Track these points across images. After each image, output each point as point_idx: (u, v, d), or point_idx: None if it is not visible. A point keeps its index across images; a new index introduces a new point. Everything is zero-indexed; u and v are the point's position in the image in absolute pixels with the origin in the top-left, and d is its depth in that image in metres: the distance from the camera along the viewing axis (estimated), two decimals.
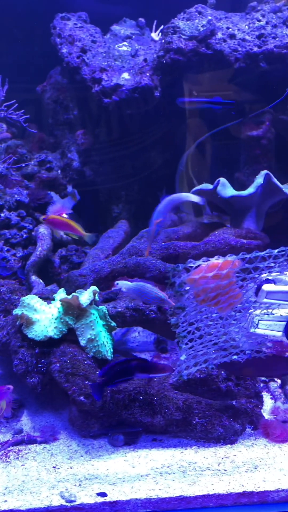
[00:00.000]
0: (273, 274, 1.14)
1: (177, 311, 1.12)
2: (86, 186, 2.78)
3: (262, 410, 1.66)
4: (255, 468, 1.47)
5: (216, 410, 1.55)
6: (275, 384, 1.81)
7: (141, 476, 1.45)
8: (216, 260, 1.06)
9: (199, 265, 1.06)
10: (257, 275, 1.10)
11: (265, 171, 2.22)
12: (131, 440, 1.57)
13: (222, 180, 2.25)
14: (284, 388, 1.79)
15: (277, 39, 2.41)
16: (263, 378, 1.82)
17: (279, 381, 1.83)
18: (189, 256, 2.06)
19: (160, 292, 1.62)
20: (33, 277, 2.14)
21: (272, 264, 1.10)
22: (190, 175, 2.68)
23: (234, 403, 1.60)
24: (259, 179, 2.21)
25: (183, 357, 1.17)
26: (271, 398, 1.77)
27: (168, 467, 1.48)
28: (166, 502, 1.39)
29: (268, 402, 1.74)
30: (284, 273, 1.15)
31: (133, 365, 1.37)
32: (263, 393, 1.73)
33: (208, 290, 1.06)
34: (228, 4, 2.79)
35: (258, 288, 1.15)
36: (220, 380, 1.64)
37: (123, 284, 1.66)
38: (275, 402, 1.73)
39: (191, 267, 1.06)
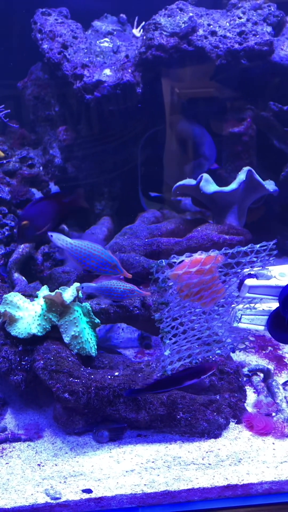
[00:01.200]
0: (255, 268, 1.15)
1: (161, 307, 1.13)
2: (68, 183, 2.77)
3: (245, 404, 1.68)
4: (239, 461, 1.49)
5: (200, 404, 1.57)
6: (258, 378, 1.84)
7: (126, 471, 1.46)
8: (199, 256, 1.06)
9: (182, 261, 1.06)
10: (239, 270, 1.11)
11: (247, 167, 2.24)
12: (116, 436, 1.57)
13: (205, 176, 2.26)
14: (266, 382, 1.81)
15: (257, 36, 2.43)
16: (246, 372, 1.84)
17: (262, 375, 1.86)
18: (172, 252, 2.06)
19: (127, 285, 1.54)
20: (16, 275, 2.12)
21: (254, 259, 1.11)
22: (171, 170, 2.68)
23: (218, 398, 1.62)
24: (242, 175, 2.23)
25: (167, 352, 1.17)
26: (254, 392, 1.79)
27: (153, 462, 1.49)
28: (151, 497, 1.40)
29: (251, 396, 1.76)
30: (266, 267, 1.16)
31: (182, 375, 1.31)
32: (246, 387, 1.74)
33: (191, 285, 1.07)
34: (209, 1, 2.79)
35: (241, 283, 1.17)
36: None
37: (86, 286, 1.61)
38: (258, 396, 1.75)
39: (175, 262, 1.06)
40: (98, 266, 1.40)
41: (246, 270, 1.16)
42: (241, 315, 1.20)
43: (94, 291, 1.54)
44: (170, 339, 1.18)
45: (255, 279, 1.16)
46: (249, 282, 1.15)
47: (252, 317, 1.20)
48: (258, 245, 1.10)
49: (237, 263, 1.11)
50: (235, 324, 1.20)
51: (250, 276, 1.16)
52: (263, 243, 1.12)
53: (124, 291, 1.50)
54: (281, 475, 1.45)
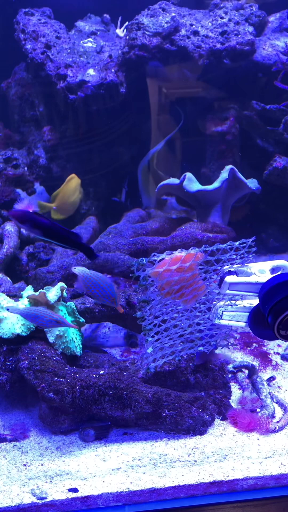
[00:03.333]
0: (235, 266, 1.16)
1: (143, 305, 1.13)
2: (53, 183, 2.76)
3: (230, 401, 1.70)
4: (224, 458, 1.50)
5: (185, 401, 1.58)
6: (243, 374, 1.85)
7: (112, 470, 1.46)
8: (179, 253, 1.07)
9: (163, 259, 1.07)
10: (219, 267, 1.12)
11: (230, 166, 2.26)
12: (102, 434, 1.57)
13: (188, 175, 2.27)
14: (251, 378, 1.83)
15: (239, 36, 2.45)
16: (231, 369, 1.85)
17: (246, 371, 1.87)
18: (157, 251, 2.08)
19: (55, 315, 1.54)
20: (0, 275, 2.12)
21: (234, 256, 1.12)
22: (155, 170, 2.70)
23: (203, 394, 1.63)
24: (224, 174, 2.25)
25: (149, 350, 1.18)
26: (239, 388, 1.80)
27: (139, 460, 1.50)
28: (138, 495, 1.40)
29: (236, 392, 1.77)
30: (246, 264, 1.17)
31: None
32: (231, 384, 1.76)
33: (172, 283, 1.08)
34: (192, 1, 2.81)
35: (221, 280, 1.18)
36: (189, 372, 1.66)
37: (12, 308, 1.59)
38: (243, 392, 1.77)
39: (155, 260, 1.07)
40: (100, 296, 1.51)
41: (226, 267, 1.17)
42: (223, 312, 1.21)
43: (20, 313, 1.55)
44: (153, 336, 1.19)
45: (235, 276, 1.17)
46: (229, 279, 1.16)
47: (233, 313, 1.21)
48: (237, 242, 1.12)
49: (217, 260, 1.12)
50: (216, 321, 1.22)
51: (230, 273, 1.18)
52: (243, 240, 1.14)
53: (50, 320, 1.53)
54: (265, 470, 1.46)
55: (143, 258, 1.04)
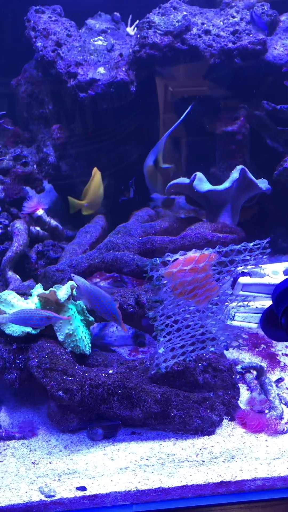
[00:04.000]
0: (248, 267, 1.16)
1: (155, 305, 1.13)
2: (62, 181, 2.77)
3: (238, 401, 1.69)
4: (232, 458, 1.50)
5: (194, 402, 1.57)
6: (251, 375, 1.85)
7: (120, 469, 1.46)
8: (193, 254, 1.07)
9: (176, 259, 1.07)
10: (233, 268, 1.12)
11: (240, 166, 2.25)
12: (110, 433, 1.57)
13: (199, 174, 2.27)
14: (260, 380, 1.83)
15: (251, 35, 2.44)
16: (239, 370, 1.85)
17: (255, 372, 1.87)
18: (166, 251, 2.08)
19: (43, 312, 1.54)
20: (10, 273, 2.12)
21: (248, 257, 1.12)
22: (161, 168, 2.69)
23: (211, 395, 1.62)
24: (235, 174, 2.24)
25: (161, 350, 1.18)
26: (247, 389, 1.80)
27: (147, 459, 1.50)
28: (145, 494, 1.40)
29: (244, 393, 1.77)
30: (259, 265, 1.17)
31: None
32: (239, 385, 1.75)
33: (185, 283, 1.07)
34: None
35: (234, 281, 1.18)
36: (198, 372, 1.66)
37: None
38: (251, 393, 1.76)
39: (169, 260, 1.07)
40: (101, 311, 1.56)
41: (240, 268, 1.17)
42: (235, 313, 1.21)
43: (9, 321, 1.56)
44: (164, 336, 1.19)
45: (248, 277, 1.17)
46: (242, 280, 1.16)
47: (246, 315, 1.21)
48: (251, 244, 1.11)
49: (230, 261, 1.12)
50: (228, 322, 1.21)
51: (243, 274, 1.17)
52: (257, 242, 1.13)
53: (41, 319, 1.53)
54: (274, 471, 1.46)
55: (157, 258, 1.04)
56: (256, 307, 1.21)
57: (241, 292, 1.17)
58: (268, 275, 1.17)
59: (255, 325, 1.24)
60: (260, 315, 1.21)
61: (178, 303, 1.15)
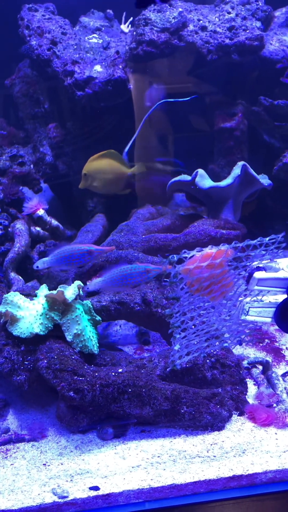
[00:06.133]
0: (263, 261, 1.17)
1: (172, 302, 1.13)
2: (59, 180, 2.75)
3: (246, 396, 1.70)
4: (243, 452, 1.51)
5: (203, 398, 1.58)
6: (257, 370, 1.86)
7: (132, 467, 1.46)
8: (210, 250, 1.07)
9: (193, 255, 1.07)
10: (249, 263, 1.13)
11: (242, 162, 2.25)
12: (120, 432, 1.57)
13: (200, 171, 2.27)
14: (266, 374, 1.84)
15: (247, 31, 2.44)
16: (246, 365, 1.85)
17: (260, 367, 1.88)
18: (170, 248, 2.08)
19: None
20: (12, 274, 2.10)
21: (263, 252, 1.12)
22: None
23: (220, 391, 1.63)
24: (237, 170, 2.24)
25: (177, 347, 1.18)
26: (254, 384, 1.81)
27: (158, 456, 1.50)
28: (158, 491, 1.40)
29: (251, 388, 1.78)
30: (274, 260, 1.18)
31: None
32: (246, 380, 1.76)
33: (202, 280, 1.08)
34: None
35: (249, 276, 1.18)
36: (206, 368, 1.67)
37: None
38: (258, 387, 1.77)
39: (185, 257, 1.07)
40: (138, 279, 1.51)
41: (255, 263, 1.17)
42: (249, 307, 1.21)
43: (50, 265, 1.50)
44: (180, 333, 1.19)
45: (263, 271, 1.17)
46: (258, 275, 1.16)
47: (260, 309, 1.22)
48: (267, 238, 1.12)
49: (246, 256, 1.12)
50: (243, 317, 1.22)
51: (258, 269, 1.18)
52: (272, 236, 1.14)
53: (82, 255, 1.47)
54: (284, 463, 1.47)
55: (174, 256, 1.04)
56: (270, 301, 1.22)
57: (256, 287, 1.18)
58: (282, 269, 1.18)
59: (269, 319, 1.24)
60: (274, 309, 1.22)
61: (193, 299, 1.15)
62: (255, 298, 1.20)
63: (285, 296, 1.18)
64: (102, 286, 1.55)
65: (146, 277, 1.50)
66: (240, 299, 1.19)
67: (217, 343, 1.19)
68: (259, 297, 1.20)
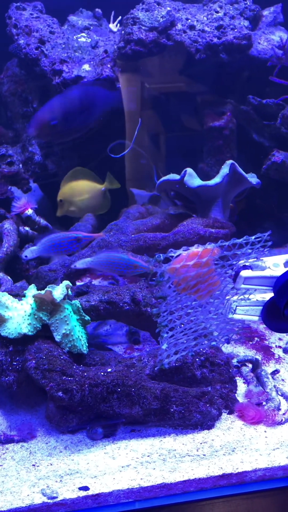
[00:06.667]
0: (250, 260, 1.17)
1: (159, 301, 1.13)
2: (48, 180, 2.74)
3: (236, 395, 1.70)
4: (233, 451, 1.51)
5: (192, 397, 1.58)
6: (247, 368, 1.86)
7: (122, 467, 1.46)
8: (196, 249, 1.07)
9: (179, 254, 1.07)
10: (235, 262, 1.13)
11: (230, 161, 2.26)
12: (110, 432, 1.57)
13: (189, 170, 2.27)
14: (255, 372, 1.84)
15: (235, 30, 2.44)
16: (235, 363, 1.86)
17: (250, 365, 1.88)
18: (159, 247, 2.08)
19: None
20: (1, 274, 2.09)
21: (249, 251, 1.13)
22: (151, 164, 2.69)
23: (209, 389, 1.63)
24: (225, 169, 2.25)
25: (164, 346, 1.18)
26: (243, 382, 1.81)
27: (148, 456, 1.50)
28: (148, 490, 1.40)
29: (241, 386, 1.78)
30: (260, 258, 1.18)
31: None
32: (236, 378, 1.77)
33: (188, 279, 1.08)
34: None
35: (236, 275, 1.18)
36: (195, 367, 1.67)
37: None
38: (248, 386, 1.78)
39: (172, 256, 1.07)
40: (124, 270, 1.50)
41: (241, 262, 1.17)
42: (236, 306, 1.21)
43: (38, 254, 1.49)
44: (167, 333, 1.19)
45: (250, 270, 1.18)
46: (244, 273, 1.16)
47: (247, 308, 1.22)
48: (253, 237, 1.12)
49: (232, 255, 1.13)
50: (230, 316, 1.22)
51: (245, 267, 1.18)
52: (258, 235, 1.14)
53: (71, 242, 1.46)
54: (273, 461, 1.48)
55: (160, 255, 1.04)
56: (257, 300, 1.22)
57: (242, 286, 1.18)
58: (269, 267, 1.18)
59: (256, 318, 1.25)
60: (261, 307, 1.22)
61: (180, 298, 1.15)
62: (242, 297, 1.20)
63: (271, 294, 1.19)
64: (89, 266, 1.53)
65: (132, 271, 1.49)
66: (227, 297, 1.20)
67: (205, 341, 1.19)
68: (246, 296, 1.20)
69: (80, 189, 2.30)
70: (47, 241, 1.50)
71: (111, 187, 2.33)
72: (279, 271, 1.16)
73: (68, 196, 2.30)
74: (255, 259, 1.15)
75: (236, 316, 1.22)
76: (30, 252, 1.59)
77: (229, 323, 1.25)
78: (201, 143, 2.65)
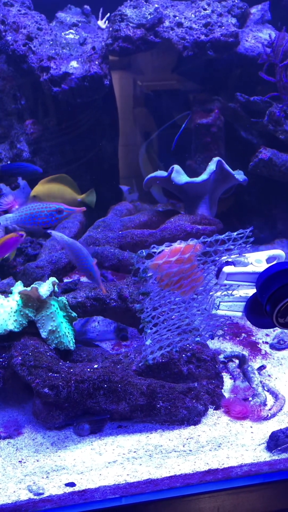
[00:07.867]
0: (232, 256, 1.18)
1: (142, 297, 1.14)
2: (36, 177, 2.73)
3: (222, 390, 1.71)
4: (219, 446, 1.52)
5: (179, 392, 1.59)
6: (234, 364, 1.87)
7: (109, 463, 1.47)
8: (178, 245, 1.08)
9: (162, 250, 1.07)
10: (217, 258, 1.13)
11: (217, 158, 2.27)
12: (97, 428, 1.57)
13: (176, 167, 2.28)
14: (242, 368, 1.85)
15: (223, 27, 2.45)
16: (222, 359, 1.87)
17: (237, 361, 1.90)
18: (147, 244, 2.08)
19: (52, 204, 1.45)
20: None
21: (232, 247, 1.13)
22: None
23: (196, 385, 1.64)
24: (212, 166, 2.26)
25: (148, 342, 1.19)
26: (230, 378, 1.82)
27: (134, 452, 1.50)
28: (135, 486, 1.41)
29: (227, 382, 1.79)
30: (243, 254, 1.19)
31: None
32: (222, 374, 1.78)
33: (171, 275, 1.08)
34: None
35: (219, 271, 1.19)
36: (182, 363, 1.67)
37: (4, 218, 1.49)
38: (234, 381, 1.79)
39: (154, 252, 1.07)
40: (78, 266, 1.47)
41: (224, 258, 1.18)
42: (219, 302, 1.22)
43: (13, 222, 1.46)
44: (151, 328, 1.19)
45: (232, 266, 1.19)
46: (227, 269, 1.17)
47: (230, 303, 1.23)
48: (235, 233, 1.13)
49: (215, 251, 1.13)
50: (213, 311, 1.23)
51: (227, 263, 1.19)
52: (240, 231, 1.15)
53: (50, 213, 1.43)
54: (259, 456, 1.49)
55: (143, 251, 1.04)
56: (240, 295, 1.23)
57: (225, 281, 1.19)
58: (251, 263, 1.19)
59: (240, 313, 1.25)
60: (244, 303, 1.23)
61: (163, 294, 1.15)
62: (225, 293, 1.21)
63: (254, 290, 1.20)
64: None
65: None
66: (210, 293, 1.20)
67: (189, 338, 1.20)
68: (230, 291, 1.21)
69: (56, 192, 2.26)
70: (24, 209, 1.45)
71: (87, 202, 2.31)
72: (261, 267, 1.17)
73: (42, 194, 2.27)
74: (238, 255, 1.16)
75: (219, 312, 1.23)
76: (4, 219, 1.52)
77: (212, 319, 1.26)
78: (190, 140, 2.66)
